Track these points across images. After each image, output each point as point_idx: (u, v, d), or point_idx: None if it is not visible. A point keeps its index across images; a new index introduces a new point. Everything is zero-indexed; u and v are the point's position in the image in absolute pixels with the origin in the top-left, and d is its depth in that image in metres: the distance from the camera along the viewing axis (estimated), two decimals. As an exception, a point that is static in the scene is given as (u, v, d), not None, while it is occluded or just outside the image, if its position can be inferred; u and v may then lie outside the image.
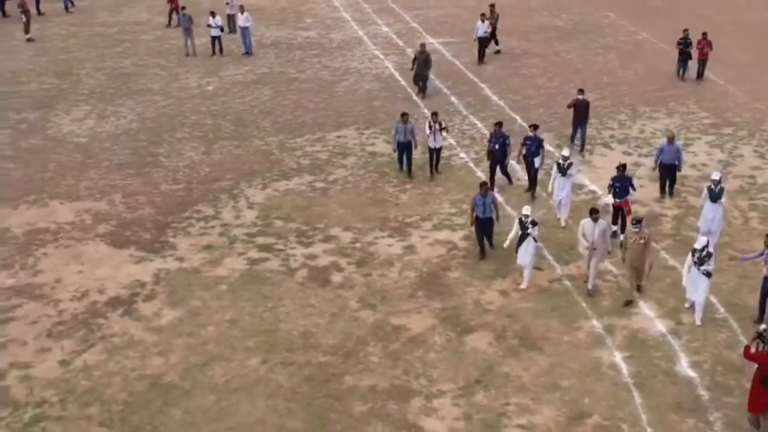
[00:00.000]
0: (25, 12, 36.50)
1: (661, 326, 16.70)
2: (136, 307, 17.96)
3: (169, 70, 32.73)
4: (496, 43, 33.15)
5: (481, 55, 32.01)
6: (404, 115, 22.86)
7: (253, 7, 40.75)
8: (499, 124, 22.26)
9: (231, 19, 35.88)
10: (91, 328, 17.35)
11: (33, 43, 36.62)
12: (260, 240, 20.28)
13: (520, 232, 17.97)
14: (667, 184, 21.56)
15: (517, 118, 27.01)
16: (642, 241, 17.12)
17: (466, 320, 17.02)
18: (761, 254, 16.72)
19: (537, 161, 21.62)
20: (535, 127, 22.13)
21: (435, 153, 22.95)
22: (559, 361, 15.73)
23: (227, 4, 36.23)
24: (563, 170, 20.20)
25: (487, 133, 25.66)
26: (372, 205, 21.65)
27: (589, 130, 25.51)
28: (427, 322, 17.02)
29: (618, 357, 15.81)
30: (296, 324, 17.18)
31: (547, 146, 22.98)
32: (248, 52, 33.68)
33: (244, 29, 33.09)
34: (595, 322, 16.92)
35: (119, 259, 19.88)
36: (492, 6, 32.86)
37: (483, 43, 31.63)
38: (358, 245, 19.89)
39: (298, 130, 26.64)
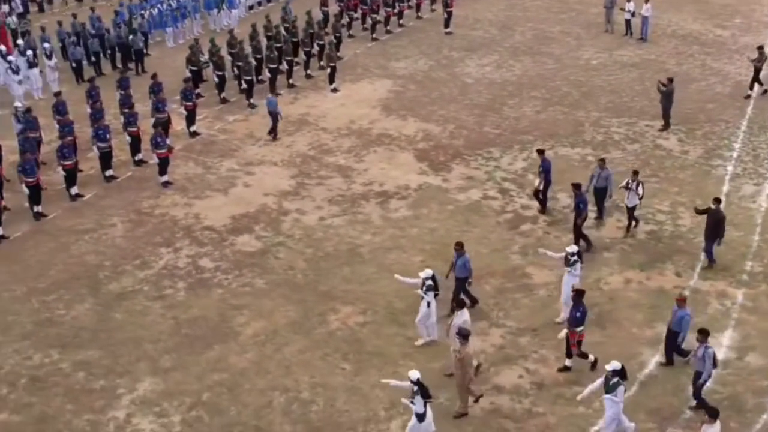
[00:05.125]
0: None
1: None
2: (389, 201, 22.61)
3: (580, 41, 35.18)
4: (761, 84, 28.72)
5: None
6: (602, 160, 21.30)
7: (698, -1, 40.79)
8: (577, 186, 20.04)
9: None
10: (354, 204, 22.52)
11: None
12: (506, 185, 23.26)
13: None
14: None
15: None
16: (458, 356, 14.87)
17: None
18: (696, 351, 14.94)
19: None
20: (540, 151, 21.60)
21: (628, 211, 20.70)
22: (605, 342, 16.85)
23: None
24: (567, 263, 17.46)
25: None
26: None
27: None
28: (548, 278, 19.02)
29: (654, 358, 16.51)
30: (455, 239, 19.85)
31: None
32: (642, 38, 34.51)
33: (645, 18, 33.95)
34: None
35: (412, 168, 24.50)
36: (760, 48, 28.66)
37: None
38: (567, 210, 21.81)
39: (622, 112, 27.90)
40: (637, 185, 20.24)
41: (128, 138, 24.41)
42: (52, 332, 17.43)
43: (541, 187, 21.69)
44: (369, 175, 24.05)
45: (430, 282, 16.77)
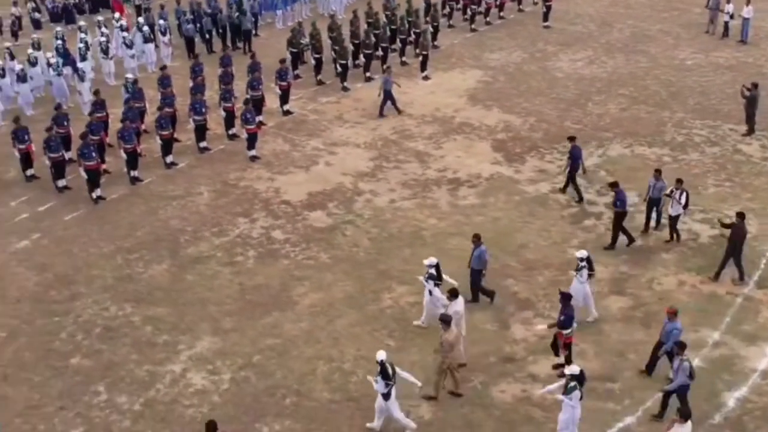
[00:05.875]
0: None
1: None
2: (458, 188, 22.73)
3: (678, 41, 33.92)
4: None
5: None
6: (657, 171, 20.19)
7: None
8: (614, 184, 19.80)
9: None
10: (425, 189, 22.77)
11: (614, -4, 40.45)
12: (563, 179, 22.80)
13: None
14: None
15: None
16: (439, 341, 15.01)
17: (626, 287, 18.37)
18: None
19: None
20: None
21: (672, 220, 19.82)
22: (647, 341, 16.25)
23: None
24: (576, 269, 17.20)
25: None
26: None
27: None
28: (601, 275, 18.58)
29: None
30: (524, 236, 20.36)
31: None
32: (742, 40, 32.94)
33: (746, 20, 32.38)
34: (711, 333, 16.88)
35: (487, 157, 24.49)
36: None
37: None
38: (631, 209, 21.14)
39: (708, 114, 26.86)
40: (681, 194, 19.41)
41: (223, 113, 25.41)
42: (129, 288, 18.55)
43: (568, 171, 21.89)
44: (444, 162, 24.21)
45: (432, 271, 16.85)
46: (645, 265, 19.13)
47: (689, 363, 14.19)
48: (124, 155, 22.72)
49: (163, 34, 31.47)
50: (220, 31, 33.59)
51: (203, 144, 24.89)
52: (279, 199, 22.33)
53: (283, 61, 27.57)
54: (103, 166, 22.93)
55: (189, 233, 20.71)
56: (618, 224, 19.65)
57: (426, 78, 30.24)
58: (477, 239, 17.62)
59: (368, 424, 14.70)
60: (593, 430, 14.60)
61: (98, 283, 18.67)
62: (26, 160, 22.80)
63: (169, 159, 23.96)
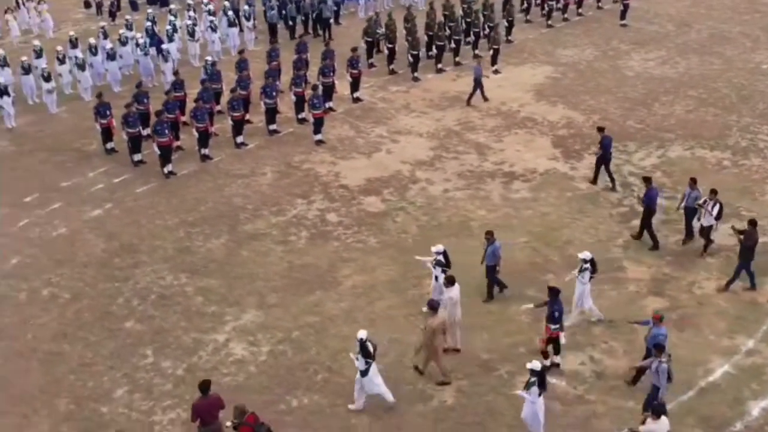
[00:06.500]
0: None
1: None
2: (512, 182, 22.62)
3: (756, 44, 32.43)
4: None
5: None
6: (693, 180, 19.31)
7: None
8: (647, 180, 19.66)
9: None
10: (479, 180, 22.75)
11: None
12: (630, 179, 22.35)
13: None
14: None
15: None
16: (424, 327, 15.24)
17: (666, 289, 17.98)
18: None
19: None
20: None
21: (704, 230, 19.00)
22: (678, 344, 16.00)
23: None
24: (579, 270, 16.65)
25: None
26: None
27: None
28: (642, 275, 18.43)
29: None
30: (571, 232, 20.12)
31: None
32: None
33: None
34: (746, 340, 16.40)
35: (545, 153, 24.22)
36: None
37: None
38: (681, 211, 20.61)
39: (774, 120, 25.97)
40: (713, 205, 18.58)
41: (293, 97, 25.92)
42: (187, 259, 19.28)
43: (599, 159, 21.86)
44: (503, 155, 24.09)
45: (440, 258, 16.87)
46: (689, 268, 18.67)
47: (668, 365, 13.87)
48: (195, 134, 23.52)
49: (248, 19, 32.24)
50: (303, 18, 34.16)
51: (273, 126, 25.46)
52: (338, 183, 22.70)
53: (354, 49, 27.83)
54: (177, 143, 23.80)
55: (249, 211, 21.31)
56: (645, 220, 19.36)
57: (496, 72, 30.01)
58: (490, 236, 17.58)
59: (350, 406, 14.98)
60: (612, 427, 14.49)
61: (159, 254, 19.48)
62: (107, 134, 23.90)
63: (240, 139, 24.63)
